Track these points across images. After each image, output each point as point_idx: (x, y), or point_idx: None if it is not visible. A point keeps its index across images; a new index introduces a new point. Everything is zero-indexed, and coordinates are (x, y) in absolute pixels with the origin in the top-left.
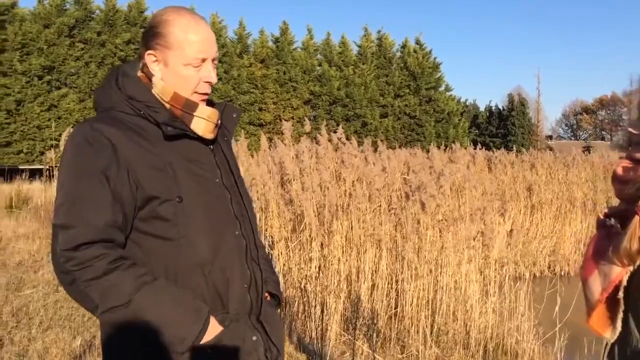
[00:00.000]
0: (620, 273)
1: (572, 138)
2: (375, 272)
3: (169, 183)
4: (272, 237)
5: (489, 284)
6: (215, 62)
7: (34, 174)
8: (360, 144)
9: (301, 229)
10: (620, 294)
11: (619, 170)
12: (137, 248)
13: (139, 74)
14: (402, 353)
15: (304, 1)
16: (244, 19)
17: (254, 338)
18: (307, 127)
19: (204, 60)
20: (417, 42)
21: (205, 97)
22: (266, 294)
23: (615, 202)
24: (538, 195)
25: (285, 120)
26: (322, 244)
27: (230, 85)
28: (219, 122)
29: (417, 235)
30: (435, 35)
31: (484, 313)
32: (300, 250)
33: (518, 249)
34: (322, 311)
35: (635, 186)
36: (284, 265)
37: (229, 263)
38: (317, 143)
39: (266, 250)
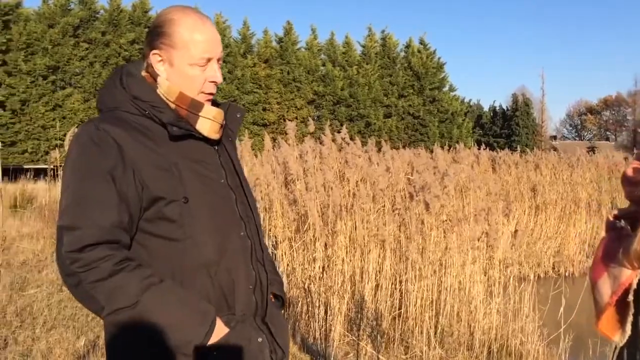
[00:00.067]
0: (630, 276)
1: (577, 138)
2: (379, 272)
3: (175, 184)
4: (275, 237)
5: (494, 285)
6: (221, 61)
7: (39, 174)
8: (364, 144)
9: (305, 229)
10: (630, 297)
11: (629, 172)
12: (142, 249)
13: (144, 73)
14: (405, 354)
15: (308, 1)
16: (247, 18)
17: (260, 339)
18: (311, 127)
19: (209, 60)
20: (421, 42)
21: (211, 97)
22: (270, 295)
23: (624, 203)
24: (542, 196)
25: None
26: (325, 244)
27: (234, 85)
28: (224, 122)
29: (421, 235)
30: (439, 35)
31: (488, 314)
32: (304, 251)
33: (522, 249)
34: (326, 311)
35: None
36: (287, 265)
37: (234, 264)
38: (320, 143)
39: (269, 251)
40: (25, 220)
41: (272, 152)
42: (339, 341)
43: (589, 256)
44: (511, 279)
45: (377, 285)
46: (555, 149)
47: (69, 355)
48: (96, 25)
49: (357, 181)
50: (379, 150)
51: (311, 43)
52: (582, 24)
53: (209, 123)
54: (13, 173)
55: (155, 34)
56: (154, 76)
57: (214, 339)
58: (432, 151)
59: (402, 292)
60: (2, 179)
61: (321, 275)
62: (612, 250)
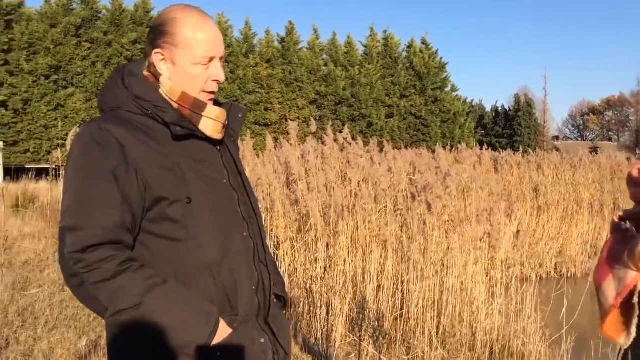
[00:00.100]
0: (635, 277)
1: (579, 139)
2: (381, 273)
3: (178, 184)
4: (277, 238)
5: (496, 286)
6: (223, 60)
7: (41, 173)
8: (366, 144)
9: (307, 229)
10: (636, 299)
11: (634, 173)
12: (145, 249)
13: (146, 73)
14: (407, 354)
15: (310, 1)
16: (250, 18)
17: (262, 340)
18: (313, 127)
19: (212, 58)
20: (424, 42)
21: (212, 95)
22: (272, 296)
23: (627, 204)
24: (545, 196)
25: (291, 120)
26: (327, 245)
27: (236, 85)
28: (226, 122)
29: (423, 236)
30: (441, 35)
31: (490, 314)
32: (305, 251)
33: (524, 250)
34: (328, 312)
35: None
36: (289, 265)
37: (237, 264)
38: (322, 143)
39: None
40: (27, 220)
41: (274, 152)
42: (341, 342)
43: (591, 257)
44: (513, 279)
45: (378, 286)
46: (557, 150)
47: (70, 356)
48: (98, 25)
49: (359, 181)
50: (381, 150)
51: (313, 43)
52: (584, 23)
53: (211, 123)
54: (15, 173)
55: (157, 32)
56: (156, 76)
57: (217, 340)
58: (434, 151)
59: (404, 293)
60: (4, 179)
61: (323, 276)
62: (617, 251)
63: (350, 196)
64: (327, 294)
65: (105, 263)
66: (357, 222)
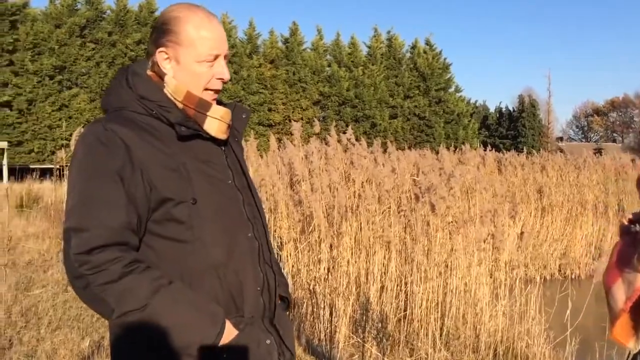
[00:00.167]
0: None
1: (583, 140)
2: (385, 274)
3: (183, 184)
4: (281, 238)
5: (499, 287)
6: (227, 59)
7: (45, 174)
8: (369, 145)
9: (310, 230)
10: None
11: None
12: (150, 251)
13: (150, 72)
14: (411, 356)
15: (314, 1)
16: (253, 19)
17: (268, 342)
18: (317, 128)
19: (216, 56)
20: (427, 43)
21: (216, 94)
22: (277, 297)
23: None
24: (549, 198)
25: (294, 120)
26: (331, 246)
27: (239, 86)
28: (231, 122)
29: (427, 237)
30: (445, 36)
31: (494, 316)
32: (309, 252)
33: (528, 251)
34: (331, 313)
35: None
36: (292, 266)
37: (242, 265)
38: (326, 144)
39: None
40: (31, 220)
41: (278, 152)
42: (344, 343)
43: (595, 259)
44: (517, 281)
45: (382, 287)
46: (561, 151)
47: (73, 356)
48: (103, 25)
49: (362, 182)
50: (385, 151)
51: (317, 44)
52: (584, 23)
53: (216, 123)
54: (19, 173)
55: (161, 31)
56: (160, 75)
57: (223, 341)
58: (437, 152)
59: (407, 294)
60: (9, 179)
61: (326, 277)
62: (626, 255)
63: (354, 197)
64: (330, 295)
65: (111, 264)
66: (361, 223)
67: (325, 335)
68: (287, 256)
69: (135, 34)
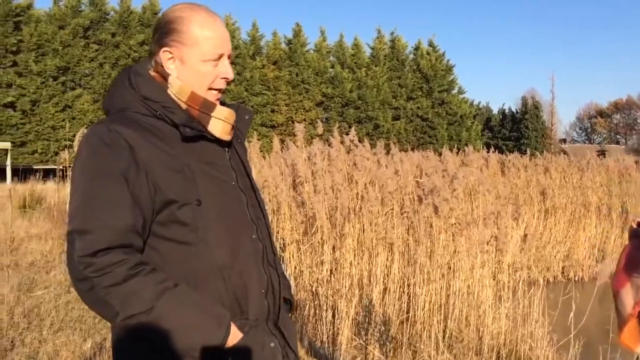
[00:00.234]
0: None
1: (586, 142)
2: (387, 275)
3: (188, 186)
4: (283, 240)
5: (503, 289)
6: (231, 59)
7: (48, 174)
8: (372, 146)
9: (313, 231)
10: None
11: None
12: (155, 253)
13: (152, 73)
14: (413, 358)
15: (317, 3)
16: (257, 20)
17: (272, 344)
18: (320, 129)
19: (221, 56)
20: (430, 44)
21: (220, 94)
22: (282, 300)
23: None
24: (552, 200)
25: (297, 122)
26: (333, 247)
27: (242, 87)
28: (234, 123)
29: (430, 239)
30: (448, 36)
31: (497, 318)
32: (311, 253)
33: (531, 253)
34: (334, 315)
35: None
36: (295, 268)
37: (246, 267)
38: (329, 145)
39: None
40: (34, 221)
41: (281, 154)
42: (347, 345)
43: (598, 261)
44: (520, 283)
45: (385, 289)
46: (565, 152)
47: (75, 358)
48: (106, 26)
49: (365, 184)
50: (388, 152)
51: (320, 45)
52: (590, 24)
53: (220, 124)
54: (22, 173)
55: (164, 31)
56: (163, 75)
57: (229, 344)
58: (440, 154)
59: (410, 296)
60: (12, 179)
61: (329, 279)
62: (635, 259)
63: (357, 198)
64: (333, 297)
65: (116, 267)
66: (364, 225)
67: (327, 337)
68: (290, 257)
69: (139, 35)
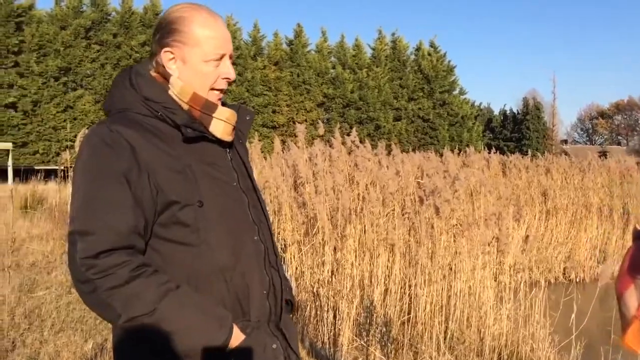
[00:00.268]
0: None
1: (588, 143)
2: (388, 276)
3: (190, 187)
4: (284, 241)
5: (504, 290)
6: (232, 59)
7: (49, 175)
8: (373, 147)
9: (314, 232)
10: None
11: None
12: (156, 254)
13: (153, 73)
14: (415, 359)
15: (319, 3)
16: (258, 21)
17: (274, 346)
18: (321, 130)
19: (222, 56)
20: (432, 45)
21: (222, 94)
22: (284, 301)
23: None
24: (553, 201)
25: (298, 122)
26: (335, 248)
27: (244, 88)
28: (236, 124)
29: (431, 240)
30: (449, 37)
31: (498, 320)
32: (312, 254)
33: (533, 254)
34: (335, 316)
35: None
36: (296, 269)
37: (248, 269)
38: (330, 146)
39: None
40: (35, 222)
41: (282, 154)
42: (348, 346)
43: (600, 262)
44: (522, 284)
45: (386, 290)
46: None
47: (76, 359)
48: (108, 27)
49: (366, 184)
50: (389, 153)
51: (321, 45)
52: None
53: (222, 125)
54: (24, 174)
55: (166, 31)
56: (164, 76)
57: (231, 345)
58: (441, 155)
59: (411, 297)
60: (13, 180)
61: (330, 279)
62: (639, 260)
63: (358, 199)
64: (334, 298)
65: (119, 269)
66: (365, 226)
67: (328, 338)
68: (291, 258)
69: (140, 35)
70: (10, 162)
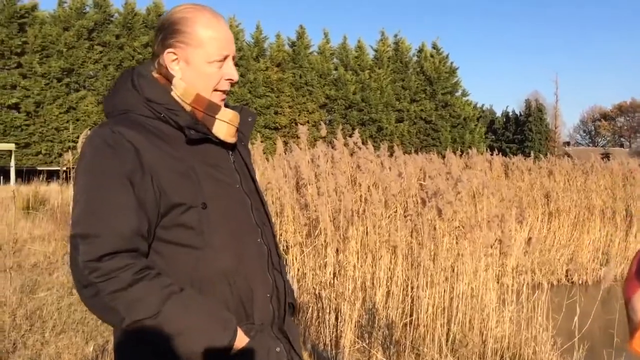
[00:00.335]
0: None
1: (590, 144)
2: (390, 278)
3: (194, 189)
4: (286, 242)
5: (506, 293)
6: (234, 60)
7: (52, 176)
8: (376, 148)
9: (316, 234)
10: None
11: None
12: (159, 257)
13: (155, 75)
14: None
15: (321, 5)
16: (260, 22)
17: (277, 349)
18: (323, 131)
19: (225, 57)
20: (434, 47)
21: (225, 96)
22: (287, 303)
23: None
24: (556, 203)
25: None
26: (337, 250)
27: (246, 89)
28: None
29: (434, 241)
30: (451, 39)
31: (500, 322)
32: (315, 256)
33: (535, 256)
34: (337, 318)
35: None
36: (298, 270)
37: (252, 271)
38: (332, 147)
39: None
40: (37, 222)
41: (284, 156)
42: (350, 348)
43: (602, 264)
44: (524, 286)
45: (388, 292)
46: (568, 155)
47: None
48: (110, 28)
49: (369, 186)
50: (391, 155)
51: (323, 47)
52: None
53: (225, 126)
54: (26, 175)
55: (168, 32)
56: (167, 77)
57: (236, 346)
58: (444, 156)
59: (413, 299)
60: (16, 181)
61: (332, 281)
62: None
63: (360, 201)
64: (336, 300)
65: (122, 272)
66: (367, 227)
67: (330, 340)
68: (293, 260)
69: (143, 36)
70: (12, 163)
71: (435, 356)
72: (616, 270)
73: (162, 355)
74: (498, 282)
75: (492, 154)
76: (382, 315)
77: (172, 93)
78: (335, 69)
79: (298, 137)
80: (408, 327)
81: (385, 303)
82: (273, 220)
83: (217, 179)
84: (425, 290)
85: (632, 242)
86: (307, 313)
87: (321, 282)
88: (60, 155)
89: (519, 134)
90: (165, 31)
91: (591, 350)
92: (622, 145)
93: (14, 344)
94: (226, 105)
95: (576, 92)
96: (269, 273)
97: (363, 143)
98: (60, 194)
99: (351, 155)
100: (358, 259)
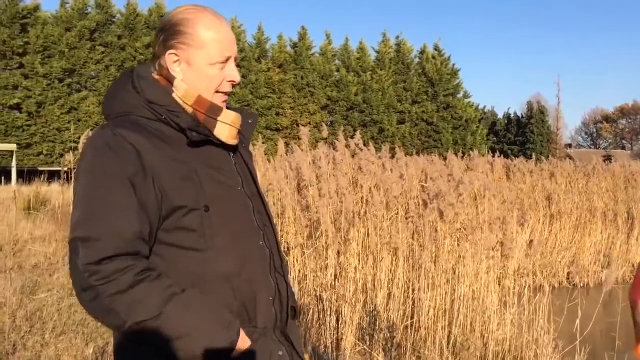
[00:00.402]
0: None
1: (592, 147)
2: (391, 280)
3: (196, 191)
4: (287, 244)
5: (508, 295)
6: (236, 61)
7: (53, 176)
8: (377, 150)
9: (317, 235)
10: None
11: None
12: (160, 260)
13: (156, 76)
14: None
15: (323, 6)
16: (262, 23)
17: (280, 353)
18: (324, 133)
19: (227, 58)
20: (436, 48)
21: (227, 97)
22: (289, 306)
23: None
24: (557, 205)
25: (302, 125)
26: (338, 252)
27: (248, 90)
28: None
29: (435, 243)
30: (453, 40)
31: (502, 324)
32: (315, 258)
33: (537, 259)
34: (338, 320)
35: None
36: (299, 272)
37: (254, 274)
38: (334, 149)
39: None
40: (38, 223)
41: (285, 157)
42: (351, 350)
43: (604, 267)
44: (525, 289)
45: (389, 294)
46: (570, 157)
47: None
48: (112, 29)
49: (370, 187)
50: (393, 156)
51: (325, 48)
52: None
53: (227, 128)
54: (27, 175)
55: (170, 33)
56: (168, 78)
57: (238, 348)
58: (445, 158)
59: (414, 301)
60: (17, 181)
61: (333, 283)
62: None
63: (362, 202)
64: (337, 302)
65: (122, 274)
66: (368, 229)
67: (331, 343)
68: (294, 262)
69: (145, 37)
70: (13, 163)
71: (436, 359)
72: (618, 273)
73: (164, 357)
74: (499, 285)
75: (493, 156)
76: (383, 318)
77: (173, 94)
78: (337, 70)
79: (299, 138)
80: (409, 330)
81: (386, 305)
82: (274, 221)
83: (219, 181)
84: (427, 292)
85: (633, 245)
86: (308, 315)
87: (322, 283)
88: (61, 155)
89: (521, 136)
90: (167, 32)
91: (593, 353)
92: (623, 148)
93: (13, 345)
94: (227, 107)
95: (578, 94)
96: (271, 276)
97: (364, 144)
98: (61, 195)
99: (352, 156)
100: (359, 260)
